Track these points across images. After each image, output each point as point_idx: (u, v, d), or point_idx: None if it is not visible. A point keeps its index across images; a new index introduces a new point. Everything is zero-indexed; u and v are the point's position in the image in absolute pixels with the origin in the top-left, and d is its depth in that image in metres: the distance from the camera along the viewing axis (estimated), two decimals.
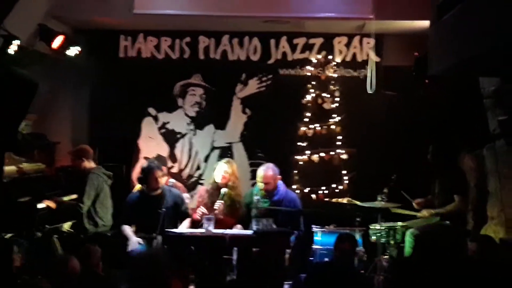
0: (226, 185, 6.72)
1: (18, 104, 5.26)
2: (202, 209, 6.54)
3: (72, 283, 4.47)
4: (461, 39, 4.67)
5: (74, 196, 6.90)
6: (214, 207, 6.50)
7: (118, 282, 5.13)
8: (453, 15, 5.00)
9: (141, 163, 7.94)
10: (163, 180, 6.69)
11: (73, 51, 7.26)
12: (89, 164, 6.92)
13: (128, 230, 6.50)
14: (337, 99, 8.01)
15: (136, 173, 8.05)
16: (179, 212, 6.60)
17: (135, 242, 6.34)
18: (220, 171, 6.77)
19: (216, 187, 6.77)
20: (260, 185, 6.62)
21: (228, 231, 6.08)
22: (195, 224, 6.62)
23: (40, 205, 6.58)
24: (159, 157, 8.01)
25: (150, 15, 7.50)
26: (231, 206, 6.69)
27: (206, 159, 8.23)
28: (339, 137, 7.98)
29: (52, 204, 6.67)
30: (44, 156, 7.54)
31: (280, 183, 6.70)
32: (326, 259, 6.63)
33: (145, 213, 6.50)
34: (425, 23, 6.40)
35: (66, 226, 6.79)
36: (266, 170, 6.66)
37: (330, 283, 4.62)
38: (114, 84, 8.13)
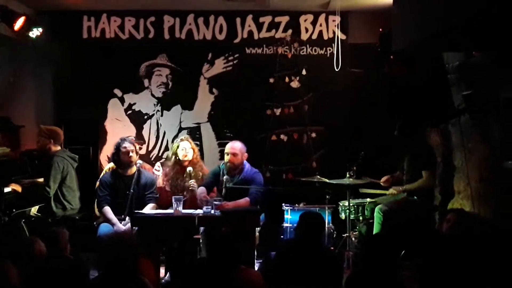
0: (189, 162, 6.71)
1: None
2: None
3: (38, 266, 4.42)
4: (423, 14, 4.68)
5: (40, 180, 6.82)
6: (190, 188, 6.49)
7: (87, 264, 5.11)
8: None
9: (109, 145, 7.88)
10: (135, 157, 6.61)
11: (35, 32, 7.11)
12: (55, 147, 6.83)
13: (110, 213, 6.38)
14: (304, 77, 8.04)
15: (104, 155, 8.02)
16: (146, 194, 6.54)
17: (121, 227, 6.26)
18: (184, 149, 6.76)
19: (180, 166, 6.77)
20: (226, 158, 6.57)
21: (198, 211, 6.05)
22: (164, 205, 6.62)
23: (6, 189, 6.50)
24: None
25: None
26: (199, 181, 6.68)
27: (174, 140, 8.17)
28: (307, 116, 8.02)
29: (18, 188, 6.58)
30: (8, 140, 7.44)
31: (245, 162, 6.66)
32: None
33: (117, 194, 6.46)
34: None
35: (34, 210, 6.71)
36: (234, 142, 6.64)
37: (299, 260, 4.65)
38: (78, 66, 8.01)
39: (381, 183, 6.86)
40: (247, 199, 6.35)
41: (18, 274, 3.86)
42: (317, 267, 4.61)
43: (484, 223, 6.03)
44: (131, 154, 6.50)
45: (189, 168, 6.59)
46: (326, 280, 4.61)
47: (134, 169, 6.56)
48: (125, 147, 6.49)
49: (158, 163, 7.30)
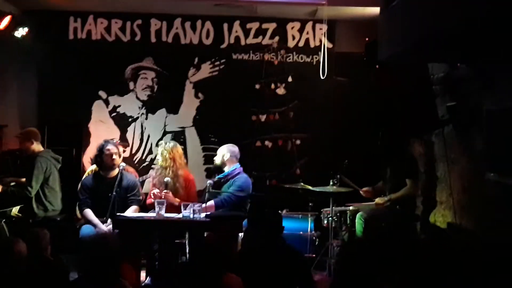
0: (166, 169, 6.69)
1: None
2: (156, 190, 6.51)
3: (19, 267, 4.38)
4: (408, 25, 4.73)
5: (23, 179, 6.77)
6: (162, 196, 6.46)
7: (67, 266, 5.07)
8: (401, 1, 5.06)
9: (92, 146, 7.85)
10: (119, 160, 6.58)
11: (20, 32, 7.10)
12: (37, 147, 6.79)
13: (91, 215, 6.34)
14: (290, 84, 8.08)
15: (87, 156, 7.98)
16: (128, 197, 6.52)
17: (103, 228, 6.22)
18: (158, 154, 6.80)
19: (160, 170, 6.76)
20: None
21: (180, 215, 6.03)
22: (148, 208, 6.60)
23: None
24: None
25: None
26: (176, 190, 6.63)
27: (158, 143, 8.15)
28: (292, 123, 8.05)
29: None
30: None
31: (237, 166, 6.70)
32: None
33: (99, 196, 6.42)
34: (376, 10, 6.45)
35: (14, 210, 6.65)
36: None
37: (262, 260, 4.70)
38: (63, 66, 7.96)
39: (361, 192, 6.88)
40: (212, 202, 6.36)
41: None
42: (281, 265, 4.64)
43: (464, 233, 6.09)
44: (114, 156, 6.49)
45: (167, 179, 6.53)
46: (293, 277, 4.66)
47: (116, 171, 6.54)
48: (108, 150, 6.47)
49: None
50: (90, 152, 7.91)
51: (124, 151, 7.64)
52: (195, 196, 6.79)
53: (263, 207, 6.84)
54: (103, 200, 6.35)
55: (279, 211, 5.76)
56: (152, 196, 6.50)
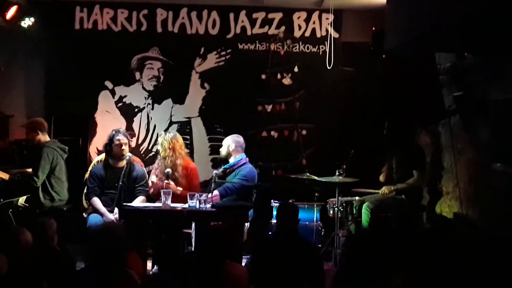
0: (166, 159, 6.70)
1: None
2: (154, 177, 6.64)
3: (24, 256, 4.39)
4: (415, 14, 4.71)
5: (29, 170, 6.79)
6: (163, 186, 6.48)
7: (74, 256, 5.09)
8: None
9: (98, 137, 7.88)
10: (128, 151, 6.59)
11: (27, 22, 7.09)
12: (44, 137, 6.80)
13: (98, 204, 6.38)
14: (296, 74, 8.06)
15: (94, 146, 8.01)
16: (136, 187, 6.53)
17: (110, 217, 6.25)
18: (159, 144, 6.83)
19: (161, 160, 6.78)
20: None
21: (186, 205, 6.04)
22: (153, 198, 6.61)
23: None
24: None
25: None
26: (176, 179, 6.63)
27: (159, 134, 8.14)
28: (298, 113, 8.03)
29: (5, 176, 6.54)
30: None
31: (242, 156, 6.72)
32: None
33: (107, 186, 6.46)
34: None
35: (21, 200, 6.67)
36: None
37: (278, 251, 4.74)
38: (70, 57, 7.96)
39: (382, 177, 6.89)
40: (216, 192, 6.36)
41: (7, 263, 3.84)
42: (295, 256, 4.70)
43: (470, 223, 6.08)
44: (124, 147, 6.50)
45: (167, 170, 6.54)
46: (305, 268, 4.67)
47: (124, 161, 6.54)
48: (118, 140, 6.48)
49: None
50: (96, 142, 7.95)
51: (130, 141, 7.65)
52: (198, 185, 6.81)
53: (271, 198, 6.98)
54: (111, 189, 6.40)
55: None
56: (150, 183, 6.57)
